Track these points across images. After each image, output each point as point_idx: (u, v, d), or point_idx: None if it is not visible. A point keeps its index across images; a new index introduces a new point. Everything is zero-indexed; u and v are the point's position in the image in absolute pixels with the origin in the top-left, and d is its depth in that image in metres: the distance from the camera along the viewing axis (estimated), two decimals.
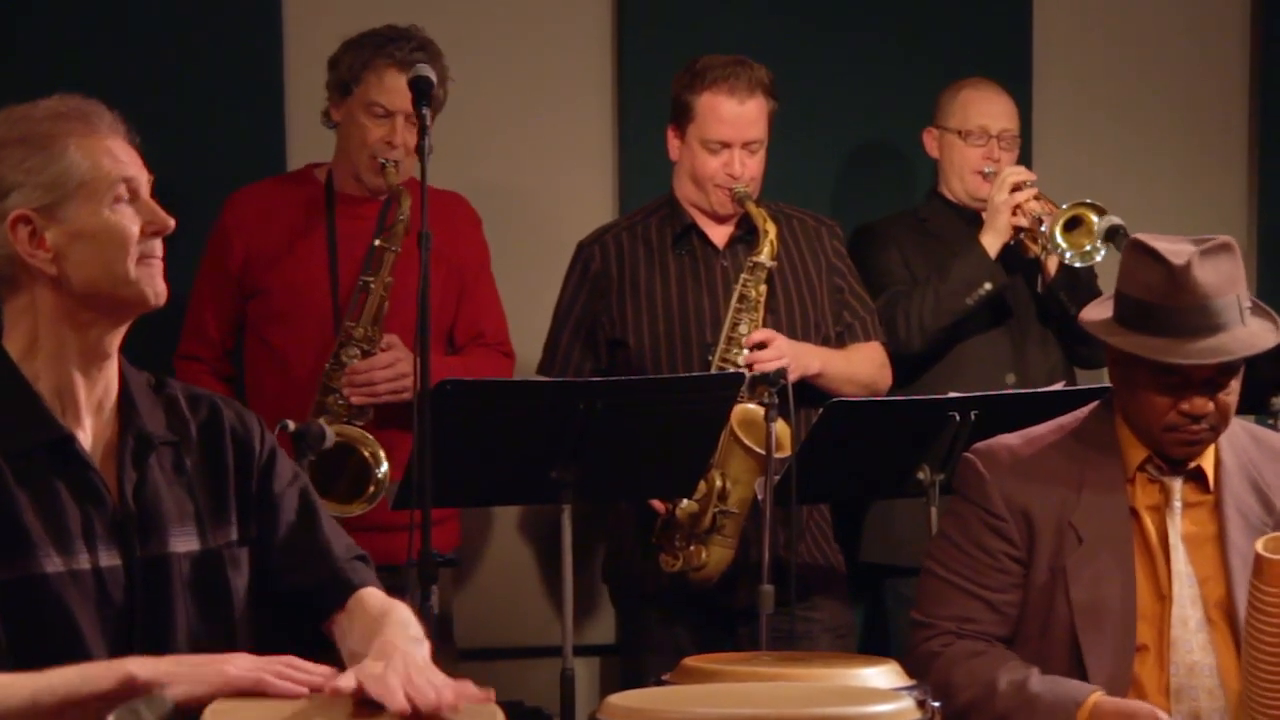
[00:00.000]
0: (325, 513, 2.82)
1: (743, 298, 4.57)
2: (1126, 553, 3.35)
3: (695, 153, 4.64)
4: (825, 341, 4.70)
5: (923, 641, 3.43)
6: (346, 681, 2.43)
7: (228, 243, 4.60)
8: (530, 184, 5.34)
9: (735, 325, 4.55)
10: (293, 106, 5.08)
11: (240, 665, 2.45)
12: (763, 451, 4.27)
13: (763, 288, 4.58)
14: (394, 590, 2.81)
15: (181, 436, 2.72)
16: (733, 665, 3.42)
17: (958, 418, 4.18)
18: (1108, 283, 4.93)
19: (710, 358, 4.54)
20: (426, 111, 3.90)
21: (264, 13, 5.10)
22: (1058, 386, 4.51)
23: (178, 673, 2.44)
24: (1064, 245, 4.80)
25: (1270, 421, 4.56)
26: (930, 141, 5.13)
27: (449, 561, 4.58)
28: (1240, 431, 3.48)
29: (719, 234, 4.70)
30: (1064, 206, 4.81)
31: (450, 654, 4.52)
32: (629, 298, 4.65)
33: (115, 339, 2.66)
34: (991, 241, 4.89)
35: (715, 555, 4.47)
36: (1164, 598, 3.34)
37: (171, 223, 2.64)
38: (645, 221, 4.73)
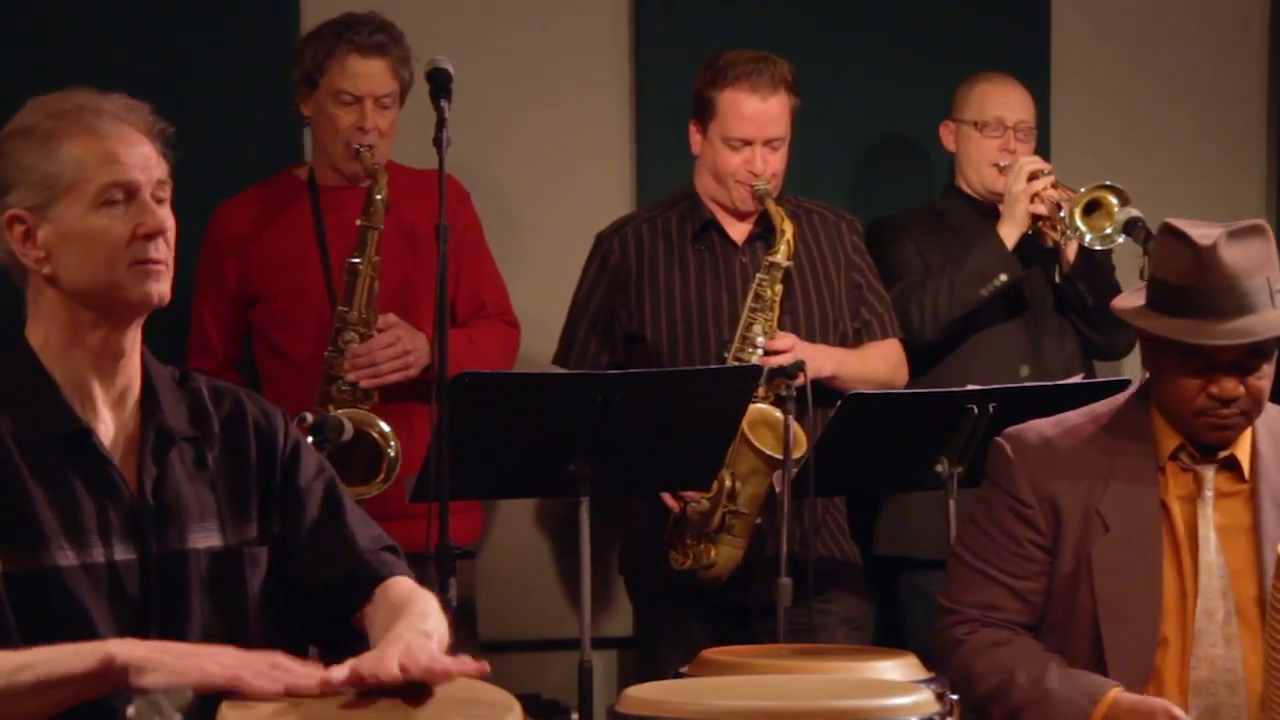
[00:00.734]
0: (352, 504, 2.80)
1: (758, 297, 4.57)
2: (1153, 544, 3.32)
3: (717, 149, 4.64)
4: (843, 339, 4.70)
5: (948, 628, 3.42)
6: (339, 673, 2.40)
7: (220, 256, 4.62)
8: (548, 179, 5.34)
9: (749, 325, 4.55)
10: None
11: (220, 662, 2.41)
12: (771, 454, 4.28)
13: (778, 288, 4.58)
14: (419, 581, 2.80)
15: (204, 431, 2.70)
16: (751, 658, 3.43)
17: (976, 410, 4.17)
18: (1124, 271, 4.97)
19: (725, 355, 4.55)
20: (445, 104, 3.90)
21: (280, 9, 5.10)
22: (1076, 379, 4.50)
23: (157, 660, 2.40)
24: (1083, 229, 4.80)
25: None
26: (946, 135, 5.13)
27: (466, 553, 4.59)
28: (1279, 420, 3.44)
29: (739, 230, 4.71)
30: (1082, 190, 4.81)
31: (473, 646, 4.52)
32: (647, 292, 4.66)
33: (126, 338, 2.64)
34: (1009, 232, 4.88)
35: (724, 554, 4.48)
36: (1189, 591, 3.31)
37: (163, 225, 2.59)
38: (665, 215, 4.73)
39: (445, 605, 2.81)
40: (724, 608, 4.60)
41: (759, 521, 4.47)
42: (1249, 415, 3.31)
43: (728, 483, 4.41)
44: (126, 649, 2.42)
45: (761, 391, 4.38)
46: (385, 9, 4.68)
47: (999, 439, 3.47)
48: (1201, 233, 3.24)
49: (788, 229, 4.59)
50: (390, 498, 4.32)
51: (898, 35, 5.54)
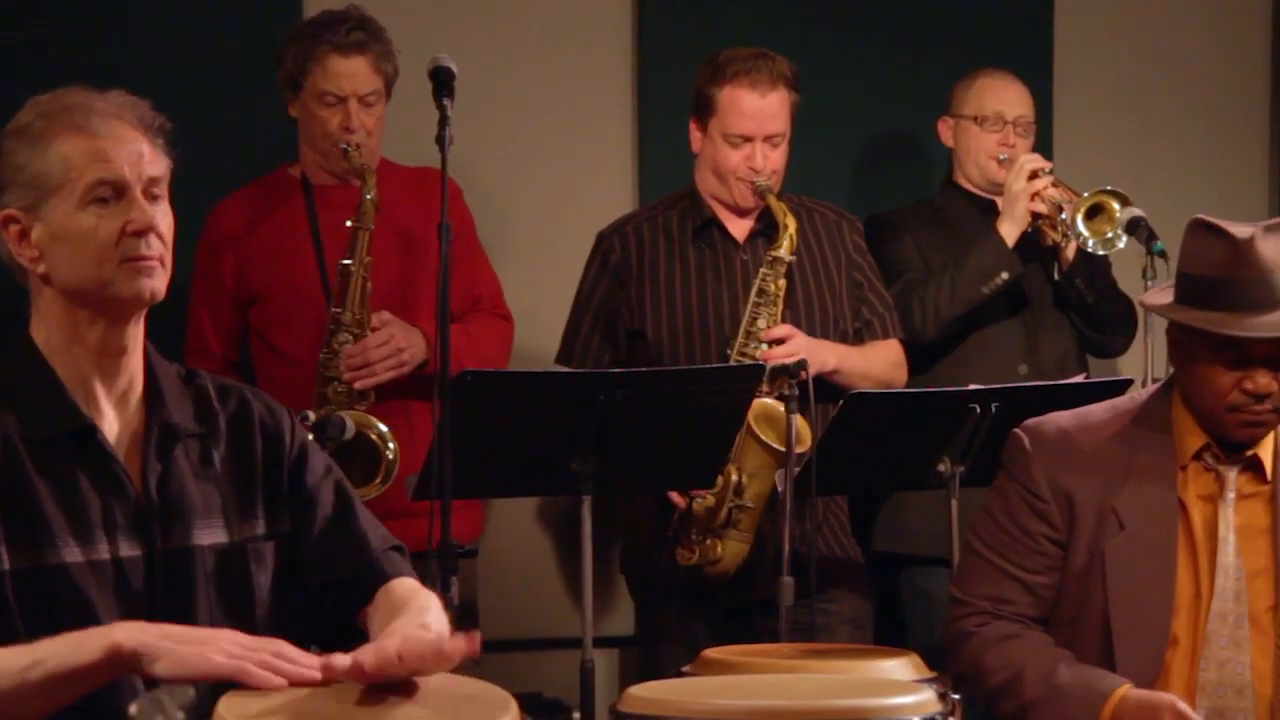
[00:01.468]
0: (360, 505, 2.80)
1: (761, 292, 4.57)
2: (1168, 543, 3.29)
3: (717, 146, 4.64)
4: (844, 337, 4.70)
5: (958, 619, 3.40)
6: (341, 661, 2.40)
7: (217, 256, 4.61)
8: (549, 178, 5.34)
9: (754, 320, 4.55)
10: None
11: (226, 650, 2.40)
12: (779, 447, 4.28)
13: (782, 282, 4.58)
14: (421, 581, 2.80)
15: (209, 428, 2.70)
16: (753, 657, 3.43)
17: (979, 410, 4.17)
18: (1122, 270, 4.97)
19: (728, 351, 4.55)
20: (448, 102, 3.89)
21: (282, 5, 5.10)
22: (1078, 379, 4.50)
23: (163, 648, 2.40)
24: (1086, 233, 4.79)
25: None
26: (945, 130, 5.13)
27: (467, 552, 4.58)
28: None
29: (739, 228, 4.71)
30: (1085, 194, 4.81)
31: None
32: (648, 289, 4.65)
33: (125, 334, 2.63)
34: (1009, 230, 4.88)
35: (731, 550, 4.48)
36: (1204, 592, 3.28)
37: (153, 221, 2.58)
38: (666, 213, 4.73)
39: (447, 604, 2.81)
40: (726, 607, 4.60)
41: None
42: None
43: (734, 477, 4.42)
44: (132, 635, 2.41)
45: (765, 389, 4.39)
46: (385, 9, 4.67)
47: (1017, 430, 3.44)
48: (1234, 226, 3.21)
49: (790, 224, 4.59)
50: (391, 496, 4.31)
51: (900, 33, 5.54)
